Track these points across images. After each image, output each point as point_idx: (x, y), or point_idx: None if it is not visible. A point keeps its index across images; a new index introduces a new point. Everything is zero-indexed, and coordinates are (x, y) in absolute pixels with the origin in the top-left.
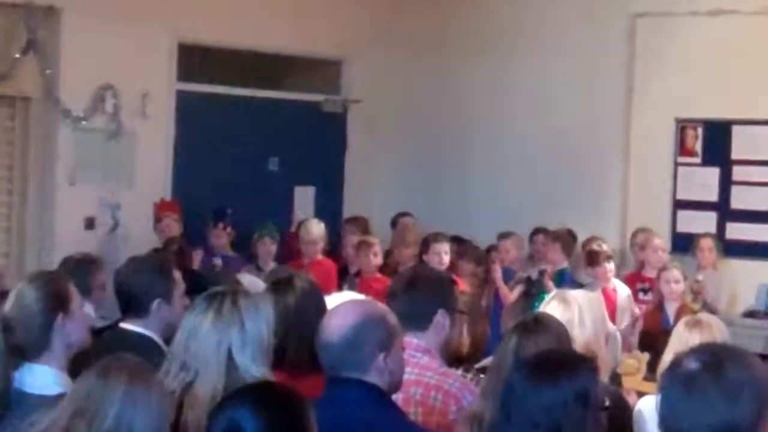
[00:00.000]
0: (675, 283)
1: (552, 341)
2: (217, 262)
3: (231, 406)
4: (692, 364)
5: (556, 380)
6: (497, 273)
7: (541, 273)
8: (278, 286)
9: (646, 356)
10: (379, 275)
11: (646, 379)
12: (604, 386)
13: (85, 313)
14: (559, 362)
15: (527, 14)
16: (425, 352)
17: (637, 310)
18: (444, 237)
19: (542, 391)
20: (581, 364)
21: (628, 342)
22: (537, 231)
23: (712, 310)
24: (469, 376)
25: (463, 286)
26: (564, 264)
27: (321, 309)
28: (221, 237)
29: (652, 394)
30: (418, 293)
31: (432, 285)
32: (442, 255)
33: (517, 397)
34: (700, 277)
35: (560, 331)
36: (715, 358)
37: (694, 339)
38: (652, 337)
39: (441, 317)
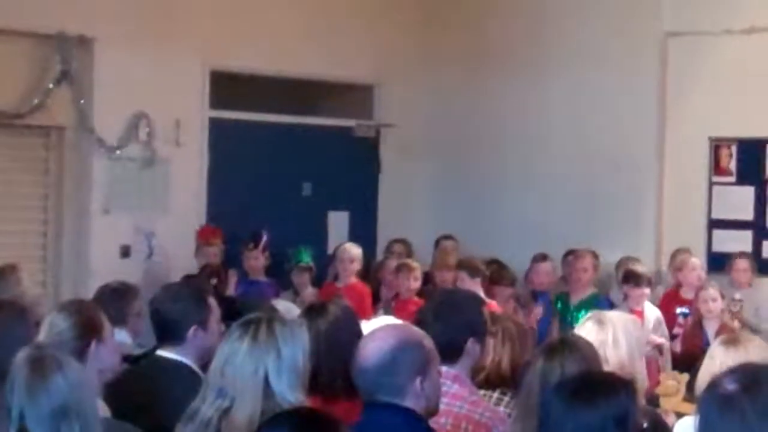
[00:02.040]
0: (712, 301)
1: (579, 363)
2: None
3: None
4: (730, 385)
5: (594, 403)
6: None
7: (565, 295)
8: (312, 311)
9: (685, 377)
10: (416, 298)
11: (685, 399)
12: (642, 407)
13: (116, 340)
14: (597, 385)
15: (560, 35)
16: (455, 379)
17: (661, 340)
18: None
19: (580, 414)
20: (619, 386)
21: (656, 364)
22: (569, 253)
23: (755, 330)
24: (506, 399)
25: (499, 310)
26: (592, 288)
27: (355, 334)
28: (258, 259)
29: (691, 415)
30: (446, 325)
31: (460, 313)
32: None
33: (555, 421)
34: (737, 296)
35: (588, 352)
36: (752, 379)
37: (728, 358)
38: (691, 358)
39: (471, 345)
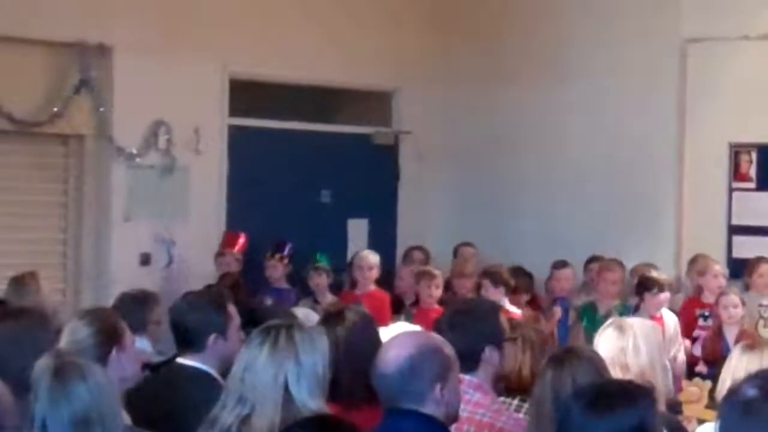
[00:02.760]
0: (733, 308)
1: (588, 370)
2: (267, 300)
3: None
4: (750, 391)
5: (614, 412)
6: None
7: (591, 305)
8: (330, 319)
9: (708, 384)
10: (437, 306)
11: (708, 407)
12: (662, 415)
13: (137, 348)
14: (617, 394)
15: (578, 41)
16: (477, 388)
17: (681, 346)
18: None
19: (600, 423)
20: (639, 395)
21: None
22: (592, 260)
23: None
24: (526, 406)
25: (521, 317)
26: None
27: (374, 341)
28: (277, 268)
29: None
30: (461, 333)
31: (475, 321)
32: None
33: (574, 430)
34: (766, 301)
35: (594, 359)
36: None
37: (741, 362)
38: (713, 365)
39: (489, 354)
